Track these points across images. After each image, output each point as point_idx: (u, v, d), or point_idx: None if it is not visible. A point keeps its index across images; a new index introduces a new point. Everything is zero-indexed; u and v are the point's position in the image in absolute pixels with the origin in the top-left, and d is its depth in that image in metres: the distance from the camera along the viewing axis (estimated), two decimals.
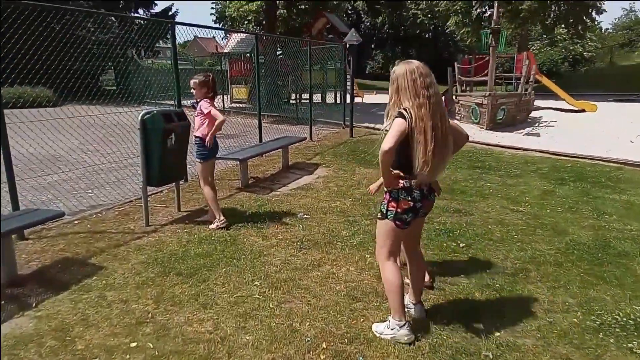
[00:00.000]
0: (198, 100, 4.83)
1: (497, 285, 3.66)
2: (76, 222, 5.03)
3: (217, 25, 19.74)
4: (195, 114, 4.82)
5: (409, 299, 3.24)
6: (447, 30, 32.51)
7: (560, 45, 32.37)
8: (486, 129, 12.40)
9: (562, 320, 3.17)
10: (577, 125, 13.01)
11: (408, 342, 2.88)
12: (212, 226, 4.85)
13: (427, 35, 39.49)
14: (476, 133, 11.54)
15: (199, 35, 21.41)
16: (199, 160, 4.85)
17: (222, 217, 4.86)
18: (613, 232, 4.75)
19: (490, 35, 11.43)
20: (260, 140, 8.46)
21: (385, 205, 2.92)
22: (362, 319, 3.17)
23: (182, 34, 6.28)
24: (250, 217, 5.22)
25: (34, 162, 6.75)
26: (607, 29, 36.58)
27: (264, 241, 4.55)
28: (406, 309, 3.09)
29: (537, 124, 13.51)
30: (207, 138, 4.76)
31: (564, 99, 16.89)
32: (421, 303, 3.24)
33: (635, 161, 7.78)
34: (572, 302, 3.41)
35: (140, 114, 4.62)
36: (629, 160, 7.86)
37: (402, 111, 2.75)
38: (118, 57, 17.43)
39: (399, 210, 2.86)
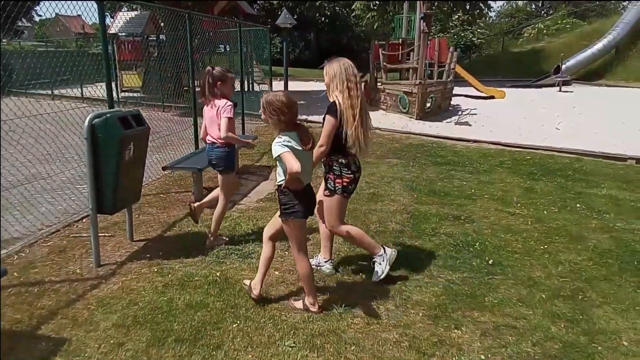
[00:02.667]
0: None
1: (568, 314, 3.16)
2: None
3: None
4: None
5: (321, 258, 3.70)
6: (353, 15, 32.35)
7: (452, 32, 33.92)
8: (416, 119, 12.20)
9: None
10: (496, 113, 13.34)
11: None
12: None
13: (324, 20, 39.10)
14: (408, 123, 11.31)
15: (64, 13, 18.87)
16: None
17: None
18: (626, 234, 4.54)
19: (422, 21, 11.17)
20: (197, 147, 7.13)
21: (332, 183, 3.33)
22: None
23: (44, 11, 4.79)
24: (229, 244, 4.22)
25: None
26: (490, 16, 39.06)
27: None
28: (318, 267, 3.67)
29: (460, 113, 13.67)
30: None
31: (474, 86, 17.43)
32: (332, 260, 3.74)
33: (589, 151, 7.95)
34: None
35: (88, 118, 3.39)
36: (580, 150, 8.02)
37: None
38: None
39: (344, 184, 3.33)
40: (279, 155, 2.77)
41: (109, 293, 3.31)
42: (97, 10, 4.72)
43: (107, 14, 24.21)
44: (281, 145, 2.77)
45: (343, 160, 3.29)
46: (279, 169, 2.92)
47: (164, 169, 5.56)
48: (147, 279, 3.54)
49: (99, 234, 4.31)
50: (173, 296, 3.28)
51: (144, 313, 3.04)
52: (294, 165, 2.70)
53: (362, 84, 3.34)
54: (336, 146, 3.24)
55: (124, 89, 17.10)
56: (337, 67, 3.23)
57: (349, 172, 3.30)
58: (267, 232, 3.18)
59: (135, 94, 16.45)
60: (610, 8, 34.71)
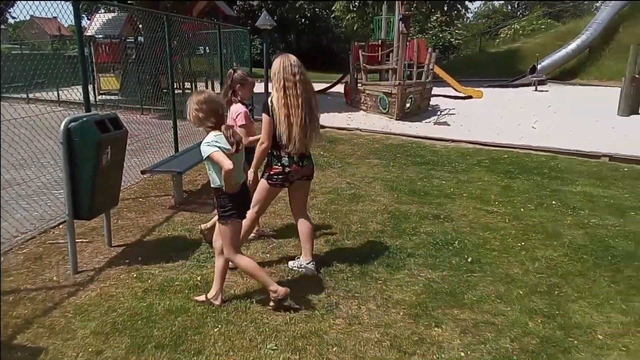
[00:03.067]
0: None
1: (545, 310, 3.22)
2: None
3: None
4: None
5: (303, 260, 3.69)
6: (333, 16, 32.48)
7: (431, 33, 34.32)
8: (396, 119, 12.27)
9: (636, 347, 2.83)
10: (474, 113, 13.51)
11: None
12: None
13: (304, 21, 39.16)
14: (388, 124, 11.38)
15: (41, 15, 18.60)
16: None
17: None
18: (600, 230, 4.66)
19: (401, 22, 11.27)
20: (177, 150, 6.95)
21: (264, 169, 3.61)
22: None
23: (18, 13, 4.61)
24: (210, 248, 4.18)
25: None
26: (468, 17, 39.59)
27: (245, 279, 3.61)
28: (300, 269, 3.70)
29: (439, 113, 13.81)
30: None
31: (452, 86, 17.61)
32: (314, 261, 3.71)
33: (564, 149, 8.11)
34: (628, 322, 3.10)
35: (64, 122, 3.34)
36: (555, 148, 8.18)
37: None
38: None
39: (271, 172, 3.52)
40: (208, 156, 2.82)
41: (87, 300, 3.26)
42: (72, 11, 4.65)
43: (84, 15, 23.98)
44: (210, 145, 2.83)
45: (275, 152, 3.47)
46: (211, 172, 2.96)
47: (142, 172, 5.49)
48: (126, 285, 3.49)
49: (76, 240, 4.24)
50: (153, 302, 3.25)
51: (123, 319, 3.01)
52: (226, 162, 2.76)
53: (304, 83, 3.36)
54: (273, 141, 3.43)
55: (101, 91, 16.92)
56: (276, 65, 3.31)
57: (279, 164, 3.46)
58: (219, 244, 3.18)
59: (113, 97, 16.25)
60: (583, 8, 35.48)
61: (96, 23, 18.64)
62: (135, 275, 3.65)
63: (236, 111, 3.95)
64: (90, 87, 4.96)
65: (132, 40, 18.63)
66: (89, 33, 18.20)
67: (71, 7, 4.64)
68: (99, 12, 19.32)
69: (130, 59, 17.41)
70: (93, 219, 3.92)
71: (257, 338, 2.85)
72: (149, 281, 3.56)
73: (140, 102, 14.20)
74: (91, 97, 5.02)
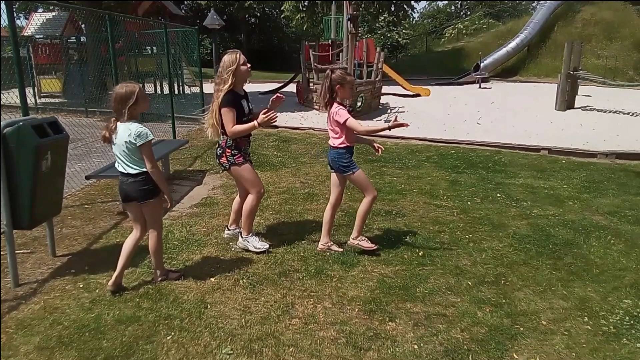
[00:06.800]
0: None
1: (492, 299, 3.35)
2: None
3: None
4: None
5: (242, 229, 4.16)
6: (282, 16, 32.41)
7: (379, 32, 34.91)
8: None
9: (576, 330, 2.99)
10: (422, 110, 13.86)
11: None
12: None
13: (255, 21, 38.88)
14: None
15: None
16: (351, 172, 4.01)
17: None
18: (541, 220, 4.89)
19: (349, 22, 11.39)
20: None
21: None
22: None
23: None
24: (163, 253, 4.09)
25: None
26: (414, 17, 40.56)
27: (199, 284, 3.55)
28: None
29: (389, 111, 14.07)
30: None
31: (401, 85, 17.99)
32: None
33: (507, 144, 8.45)
34: (569, 307, 3.27)
35: None
36: (499, 143, 8.52)
37: None
38: None
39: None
40: (149, 141, 3.13)
41: (30, 314, 3.11)
42: (5, 10, 4.39)
43: (22, 14, 22.71)
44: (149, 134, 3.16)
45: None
46: (132, 157, 3.18)
47: (87, 177, 5.28)
48: (72, 296, 3.35)
49: (17, 251, 4.03)
50: (101, 312, 3.13)
51: (69, 332, 2.88)
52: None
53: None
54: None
55: (42, 94, 16.15)
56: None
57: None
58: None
59: (55, 100, 15.55)
60: (521, 9, 37.06)
61: (35, 22, 17.76)
62: (81, 286, 3.50)
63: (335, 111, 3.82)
64: (30, 90, 4.70)
65: (74, 40, 17.90)
66: (27, 33, 17.32)
67: (3, 6, 4.39)
68: (38, 11, 18.41)
69: (73, 60, 16.72)
70: (34, 228, 3.72)
71: (212, 343, 2.81)
72: (97, 291, 3.42)
73: (84, 104, 13.66)
74: (32, 100, 4.76)
